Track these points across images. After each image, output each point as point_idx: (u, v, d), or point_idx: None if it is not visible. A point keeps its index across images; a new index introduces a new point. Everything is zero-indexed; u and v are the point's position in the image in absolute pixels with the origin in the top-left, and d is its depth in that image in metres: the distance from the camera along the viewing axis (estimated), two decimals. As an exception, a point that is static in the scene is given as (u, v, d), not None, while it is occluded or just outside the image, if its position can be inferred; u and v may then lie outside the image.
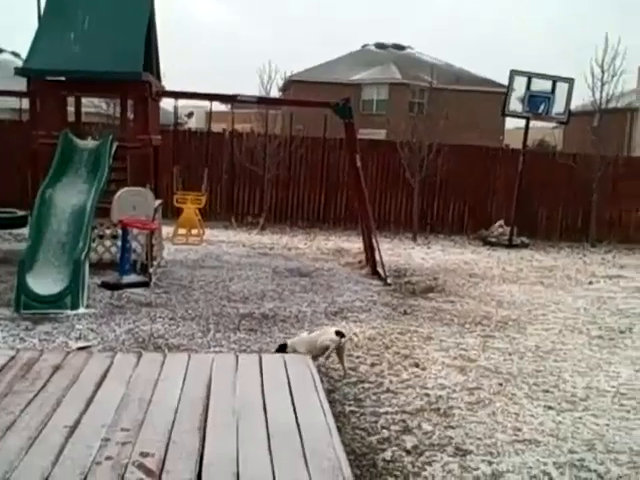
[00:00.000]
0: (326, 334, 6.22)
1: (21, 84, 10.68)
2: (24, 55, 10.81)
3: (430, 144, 16.74)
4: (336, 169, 17.76)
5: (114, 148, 10.22)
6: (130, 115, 12.48)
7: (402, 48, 45.74)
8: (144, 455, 3.72)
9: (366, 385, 5.99)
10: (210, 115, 12.99)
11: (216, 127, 17.74)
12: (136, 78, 10.23)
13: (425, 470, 4.51)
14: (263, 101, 15.67)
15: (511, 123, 34.66)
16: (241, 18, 77.98)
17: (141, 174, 11.49)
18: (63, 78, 10.36)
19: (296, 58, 57.07)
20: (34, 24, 10.74)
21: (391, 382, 6.10)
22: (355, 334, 7.55)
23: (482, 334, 7.99)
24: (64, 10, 10.72)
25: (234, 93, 11.99)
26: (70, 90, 11.01)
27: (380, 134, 36.20)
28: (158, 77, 12.00)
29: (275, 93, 24.74)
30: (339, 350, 6.16)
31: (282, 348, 6.31)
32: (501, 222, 17.42)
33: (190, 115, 42.26)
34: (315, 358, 6.02)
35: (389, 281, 10.78)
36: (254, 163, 17.16)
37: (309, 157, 17.98)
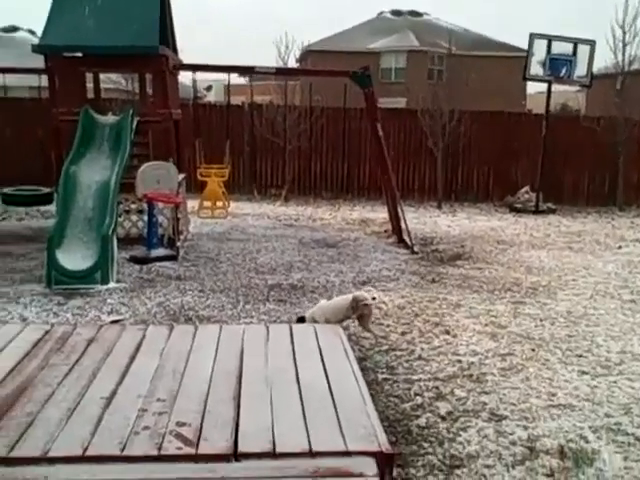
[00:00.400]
0: (347, 299, 6.18)
1: (39, 61, 10.65)
2: (40, 32, 10.76)
3: (451, 111, 16.57)
4: (358, 139, 17.65)
5: (135, 123, 10.21)
6: (149, 90, 12.45)
7: (419, 15, 45.16)
8: (180, 424, 3.73)
9: (398, 353, 5.97)
10: (228, 88, 12.90)
11: (235, 100, 17.66)
12: (153, 52, 10.15)
13: (460, 436, 4.50)
14: (281, 72, 15.57)
15: (533, 88, 34.33)
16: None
17: (163, 148, 11.46)
18: (80, 54, 10.30)
19: (312, 28, 56.52)
20: (48, 1, 10.66)
21: (422, 349, 6.07)
22: (384, 303, 7.52)
23: (512, 300, 7.93)
24: (77, -16, 10.63)
25: (252, 64, 11.90)
26: (87, 66, 10.94)
27: (400, 102, 35.87)
28: (175, 51, 11.92)
29: (293, 64, 24.62)
30: (361, 316, 6.12)
31: (301, 320, 6.30)
32: (527, 188, 17.25)
33: (209, 88, 42.12)
34: (339, 322, 6.02)
35: (416, 249, 10.73)
36: (275, 134, 17.10)
37: (330, 127, 17.87)
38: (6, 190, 11.85)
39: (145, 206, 9.95)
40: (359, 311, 6.08)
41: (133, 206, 10.74)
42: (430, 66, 39.04)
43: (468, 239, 12.13)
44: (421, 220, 14.28)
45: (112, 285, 7.97)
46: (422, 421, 4.70)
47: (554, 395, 5.20)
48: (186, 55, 13.00)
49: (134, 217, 10.75)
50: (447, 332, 6.59)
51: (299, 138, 17.24)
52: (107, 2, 10.48)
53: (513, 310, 7.49)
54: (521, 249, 11.37)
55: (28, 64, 12.40)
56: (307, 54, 38.76)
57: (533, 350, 6.19)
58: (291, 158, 17.39)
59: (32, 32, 32.91)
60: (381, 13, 45.60)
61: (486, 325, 6.88)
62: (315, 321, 6.19)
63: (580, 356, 6.10)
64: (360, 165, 17.94)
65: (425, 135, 17.01)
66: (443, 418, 4.75)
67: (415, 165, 18.06)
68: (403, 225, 11.51)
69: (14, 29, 33.03)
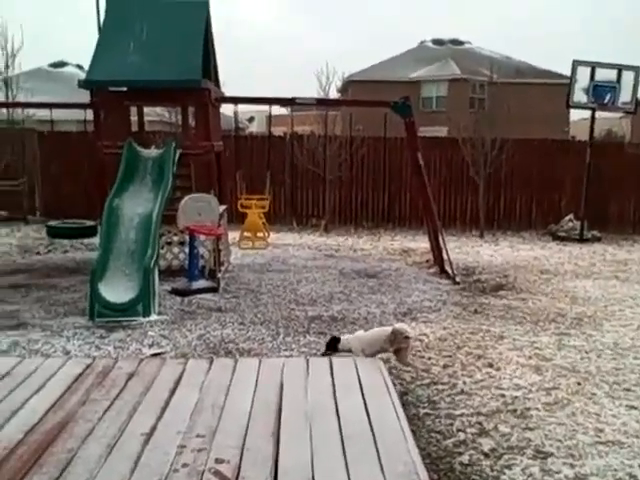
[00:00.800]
0: (385, 331, 6.12)
1: (86, 95, 10.88)
2: (87, 67, 11.02)
3: (493, 139, 16.48)
4: (399, 168, 17.64)
5: (177, 155, 10.33)
6: (192, 122, 12.61)
7: (460, 43, 45.20)
8: (219, 462, 3.71)
9: (439, 387, 5.89)
10: (270, 119, 13.02)
11: (277, 130, 17.83)
12: (196, 86, 10.31)
13: (504, 474, 4.39)
14: (322, 102, 15.66)
15: (576, 114, 33.95)
16: (297, 21, 78.23)
17: (205, 180, 11.59)
18: (125, 88, 10.51)
19: (354, 58, 56.99)
20: (95, 36, 10.94)
21: (465, 383, 5.97)
22: (425, 335, 7.44)
23: (557, 332, 7.78)
24: (123, 21, 10.88)
25: (292, 96, 11.99)
26: (132, 100, 11.14)
27: (441, 131, 35.83)
28: (217, 83, 12.09)
29: (334, 94, 24.77)
30: (399, 350, 6.06)
31: (334, 341, 6.26)
32: (571, 216, 17.01)
33: (251, 120, 42.64)
34: (372, 356, 5.96)
35: (458, 280, 10.62)
36: (315, 165, 17.17)
37: (371, 157, 17.90)
38: (52, 223, 12.08)
39: (187, 238, 10.03)
40: (397, 344, 6.02)
41: (175, 238, 10.85)
42: (472, 94, 38.92)
43: (511, 269, 11.98)
44: (463, 250, 14.15)
45: (153, 317, 8.03)
46: (465, 458, 4.61)
47: (601, 431, 5.06)
48: (228, 87, 13.20)
49: (176, 249, 10.85)
50: (490, 365, 6.48)
51: (340, 168, 17.29)
52: (151, 37, 10.68)
53: (558, 342, 7.35)
54: (565, 278, 11.18)
55: (76, 98, 12.70)
56: (348, 84, 39.01)
57: (579, 384, 6.05)
58: (332, 188, 17.43)
59: (80, 67, 33.73)
60: (422, 42, 45.76)
61: (530, 358, 6.75)
62: (349, 349, 6.16)
63: (628, 390, 5.94)
64: (401, 194, 17.91)
65: (467, 164, 16.93)
66: (486, 455, 4.65)
67: (457, 194, 17.96)
68: (445, 255, 11.42)
69: (62, 64, 33.91)
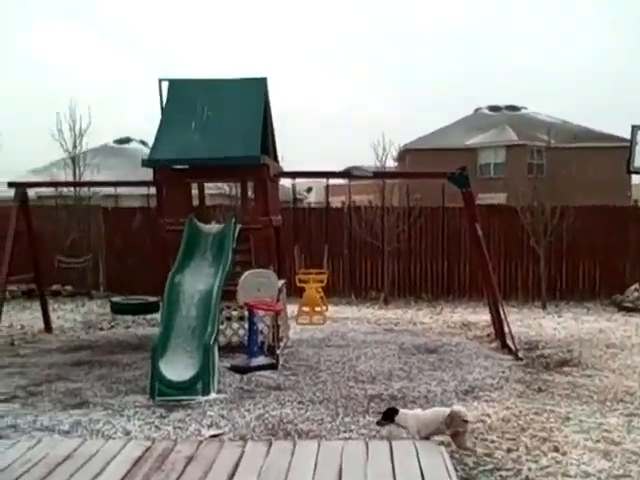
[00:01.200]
0: (443, 412, 6.01)
1: (148, 170, 11.19)
2: (150, 142, 11.37)
3: (553, 207, 16.30)
4: (457, 238, 17.52)
5: (237, 231, 10.49)
6: (251, 194, 12.82)
7: (517, 109, 45.25)
8: None
9: (503, 473, 5.69)
10: (327, 192, 13.12)
11: (335, 200, 17.97)
12: (255, 162, 10.51)
13: None
14: (378, 175, 15.77)
15: (639, 178, 33.41)
16: (352, 90, 79.60)
17: (264, 254, 11.70)
18: (186, 166, 10.80)
19: (410, 126, 57.57)
20: (158, 113, 11.30)
21: (530, 469, 5.76)
22: (488, 415, 7.25)
23: (625, 412, 7.49)
24: (185, 102, 11.23)
25: (349, 169, 12.12)
26: (193, 177, 11.40)
27: (500, 198, 35.61)
28: (275, 158, 12.30)
29: (390, 163, 24.90)
30: (456, 433, 5.92)
31: (392, 412, 6.18)
32: (636, 285, 16.56)
33: (309, 190, 43.18)
34: (427, 437, 5.88)
35: (520, 355, 10.38)
36: (373, 236, 17.21)
37: (429, 227, 17.86)
38: (115, 299, 12.34)
39: (246, 313, 10.10)
40: (454, 428, 5.89)
41: (234, 313, 10.93)
42: (530, 160, 38.78)
43: (575, 342, 11.67)
44: (525, 322, 13.87)
45: (213, 396, 8.03)
46: None
47: (677, 524, 4.81)
48: (286, 162, 13.48)
49: (235, 325, 10.93)
50: (556, 449, 6.26)
51: (398, 239, 17.29)
52: (212, 116, 10.98)
53: (627, 424, 7.06)
54: (633, 353, 10.82)
55: (139, 173, 13.05)
56: (405, 153, 39.27)
57: (651, 470, 5.78)
58: (390, 260, 17.41)
59: (144, 143, 34.86)
60: (478, 109, 45.97)
61: (598, 441, 6.49)
62: (404, 427, 6.06)
63: None
64: (460, 265, 17.75)
65: (527, 232, 16.74)
66: None
67: (517, 264, 17.71)
68: (506, 328, 11.20)
69: (127, 140, 35.10)
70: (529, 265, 17.56)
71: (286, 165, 14.59)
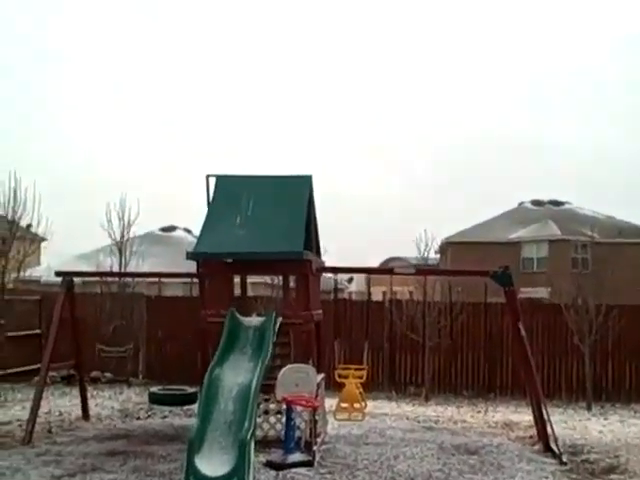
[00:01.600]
0: None
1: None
2: (195, 230, 11.64)
3: (598, 305, 16.05)
4: (499, 335, 17.29)
5: (277, 325, 10.51)
6: (292, 284, 12.90)
7: (560, 204, 45.24)
8: None
9: None
10: (369, 288, 13.18)
11: (376, 290, 17.99)
12: (298, 258, 10.64)
13: None
14: (420, 272, 15.73)
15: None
16: (396, 180, 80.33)
17: (304, 348, 11.69)
18: (230, 260, 10.96)
19: (452, 218, 57.67)
20: (201, 202, 11.59)
21: None
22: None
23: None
24: (230, 196, 11.50)
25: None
26: (236, 270, 11.54)
27: (542, 292, 35.26)
28: (318, 253, 12.43)
29: (432, 254, 24.90)
30: None
31: None
32: (685, 388, 16.08)
33: (350, 280, 43.20)
34: None
35: (564, 459, 10.05)
36: (414, 331, 17.06)
37: (470, 323, 17.68)
38: (153, 389, 12.35)
39: (284, 407, 10.02)
40: None
41: (272, 406, 10.84)
42: (574, 255, 38.44)
43: (622, 447, 11.28)
44: (569, 424, 13.48)
45: (248, 493, 7.90)
46: None
47: None
48: (329, 255, 13.57)
49: (272, 419, 10.83)
50: None
51: (439, 334, 17.11)
52: (257, 212, 11.20)
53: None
54: (683, 459, 10.41)
55: (183, 260, 13.27)
56: (447, 246, 39.36)
57: None
58: (431, 355, 17.20)
59: (188, 231, 35.46)
60: (521, 203, 46.06)
61: None
62: None
63: None
64: (503, 362, 17.46)
65: (571, 330, 16.46)
66: None
67: (561, 363, 17.36)
68: (549, 430, 10.90)
69: (172, 228, 35.74)
70: (573, 364, 17.21)
71: (327, 254, 14.67)
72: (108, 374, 17.56)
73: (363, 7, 77.74)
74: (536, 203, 45.56)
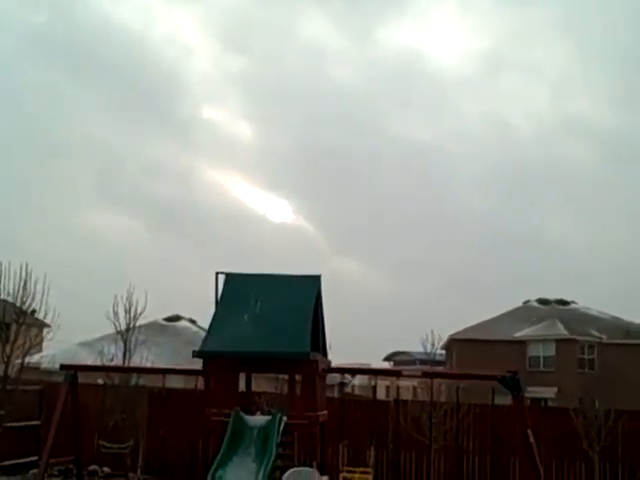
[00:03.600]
0: None
1: (196, 346, 11.32)
2: (199, 321, 11.65)
3: (607, 410, 15.81)
4: (506, 438, 16.92)
5: (282, 425, 10.37)
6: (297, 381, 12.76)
7: (566, 303, 45.11)
8: None
9: None
10: (374, 390, 13.05)
11: (380, 383, 17.79)
12: (304, 358, 10.62)
13: None
14: (427, 375, 15.62)
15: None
16: (400, 280, 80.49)
17: (308, 449, 11.51)
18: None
19: (456, 315, 57.40)
20: (208, 294, 11.64)
21: None
22: None
23: None
24: (239, 294, 11.57)
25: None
26: (242, 368, 11.49)
27: (549, 392, 34.77)
28: (325, 352, 12.35)
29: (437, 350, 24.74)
30: None
31: None
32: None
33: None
34: None
35: None
36: (420, 432, 16.75)
37: (477, 426, 17.34)
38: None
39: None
40: None
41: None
42: (580, 355, 38.21)
43: None
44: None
45: None
46: None
47: None
48: (334, 351, 13.45)
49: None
50: None
51: (445, 436, 16.78)
52: (265, 310, 11.24)
53: None
54: None
55: (185, 351, 13.21)
56: (452, 343, 39.08)
57: None
58: (436, 457, 16.83)
59: (193, 321, 35.36)
60: (527, 302, 45.93)
61: None
62: None
63: None
64: (510, 467, 17.04)
65: (579, 436, 16.15)
66: None
67: (569, 468, 16.93)
68: None
69: (177, 318, 35.63)
70: (582, 470, 16.80)
71: (332, 352, 14.57)
72: (106, 469, 17.19)
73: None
74: (542, 302, 45.43)
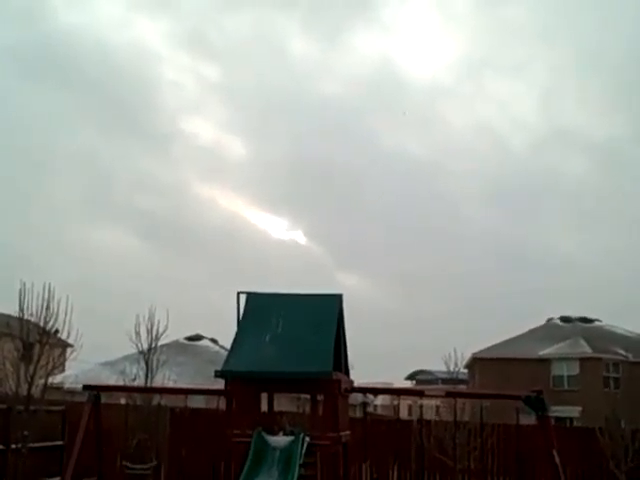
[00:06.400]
0: None
1: (218, 366, 11.31)
2: (220, 340, 11.64)
3: (634, 430, 15.57)
4: (531, 459, 16.70)
5: (305, 447, 10.31)
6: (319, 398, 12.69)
7: (590, 321, 44.62)
8: None
9: None
10: (398, 410, 12.95)
11: (402, 403, 17.63)
12: (326, 377, 10.57)
13: None
14: (451, 395, 15.49)
15: None
16: (420, 297, 79.91)
17: (330, 470, 11.42)
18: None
19: (478, 334, 56.94)
20: (228, 312, 11.63)
21: None
22: None
23: None
24: (260, 314, 11.55)
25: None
26: (264, 388, 11.47)
27: (573, 411, 34.32)
28: (347, 371, 12.28)
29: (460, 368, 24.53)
30: None
31: None
32: None
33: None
34: None
35: None
36: (443, 452, 16.58)
37: (502, 446, 17.16)
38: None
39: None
40: None
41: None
42: (605, 373, 37.71)
43: None
44: None
45: None
46: None
47: None
48: (356, 371, 13.36)
49: None
50: None
51: (469, 457, 16.59)
52: (286, 330, 11.22)
53: None
54: None
55: (206, 370, 13.17)
56: (474, 361, 38.77)
57: None
58: (460, 478, 16.63)
59: (214, 341, 35.38)
60: (550, 320, 45.49)
61: None
62: None
63: None
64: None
65: (605, 456, 15.91)
66: None
67: (596, 489, 16.69)
68: None
69: (198, 338, 35.66)
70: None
71: (354, 371, 14.49)
72: (127, 490, 17.14)
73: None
74: (565, 320, 44.97)
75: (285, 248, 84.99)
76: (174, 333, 21.09)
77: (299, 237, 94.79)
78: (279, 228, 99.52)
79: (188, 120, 79.42)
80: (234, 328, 11.41)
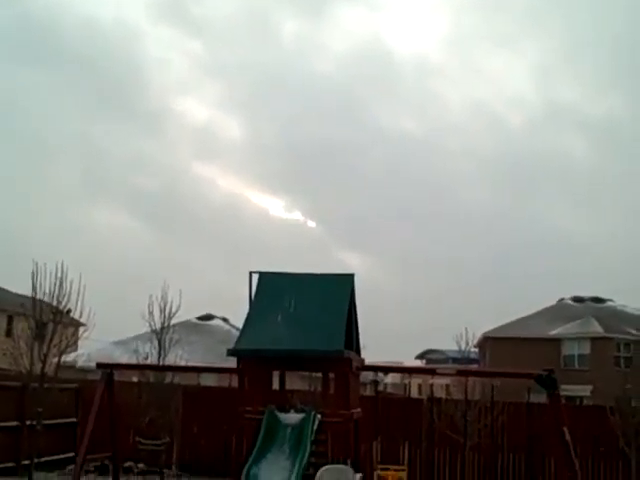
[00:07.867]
0: None
1: (230, 345, 11.37)
2: (232, 319, 11.73)
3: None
4: (542, 437, 16.76)
5: (316, 424, 10.39)
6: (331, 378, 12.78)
7: (602, 301, 44.47)
8: None
9: None
10: (407, 387, 13.00)
11: (413, 382, 17.66)
12: (338, 356, 10.64)
13: None
14: (462, 374, 15.56)
15: None
16: (431, 280, 79.59)
17: (341, 446, 11.52)
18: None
19: (491, 313, 56.91)
20: (240, 293, 11.68)
21: None
22: None
23: None
24: (272, 294, 11.63)
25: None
26: (276, 367, 11.58)
27: (584, 390, 34.31)
28: (358, 350, 12.34)
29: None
30: None
31: None
32: None
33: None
34: None
35: None
36: (454, 430, 16.64)
37: (512, 424, 17.18)
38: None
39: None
40: None
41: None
42: (616, 353, 37.65)
43: None
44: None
45: None
46: None
47: None
48: (368, 351, 13.42)
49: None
50: None
51: (479, 434, 16.66)
52: (299, 310, 11.29)
53: None
54: None
55: (218, 349, 13.27)
56: (486, 340, 38.80)
57: None
58: (470, 455, 16.72)
59: (225, 320, 35.47)
60: (561, 300, 45.35)
61: None
62: None
63: None
64: (545, 465, 16.89)
65: (615, 434, 15.95)
66: None
67: (606, 467, 16.76)
68: None
69: (210, 317, 35.76)
70: (619, 470, 16.60)
71: (366, 351, 14.55)
72: (141, 465, 17.32)
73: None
74: (577, 300, 44.83)
75: (286, 227, 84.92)
76: (184, 313, 21.21)
77: (298, 216, 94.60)
78: (278, 208, 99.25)
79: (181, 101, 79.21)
80: (238, 306, 11.51)
